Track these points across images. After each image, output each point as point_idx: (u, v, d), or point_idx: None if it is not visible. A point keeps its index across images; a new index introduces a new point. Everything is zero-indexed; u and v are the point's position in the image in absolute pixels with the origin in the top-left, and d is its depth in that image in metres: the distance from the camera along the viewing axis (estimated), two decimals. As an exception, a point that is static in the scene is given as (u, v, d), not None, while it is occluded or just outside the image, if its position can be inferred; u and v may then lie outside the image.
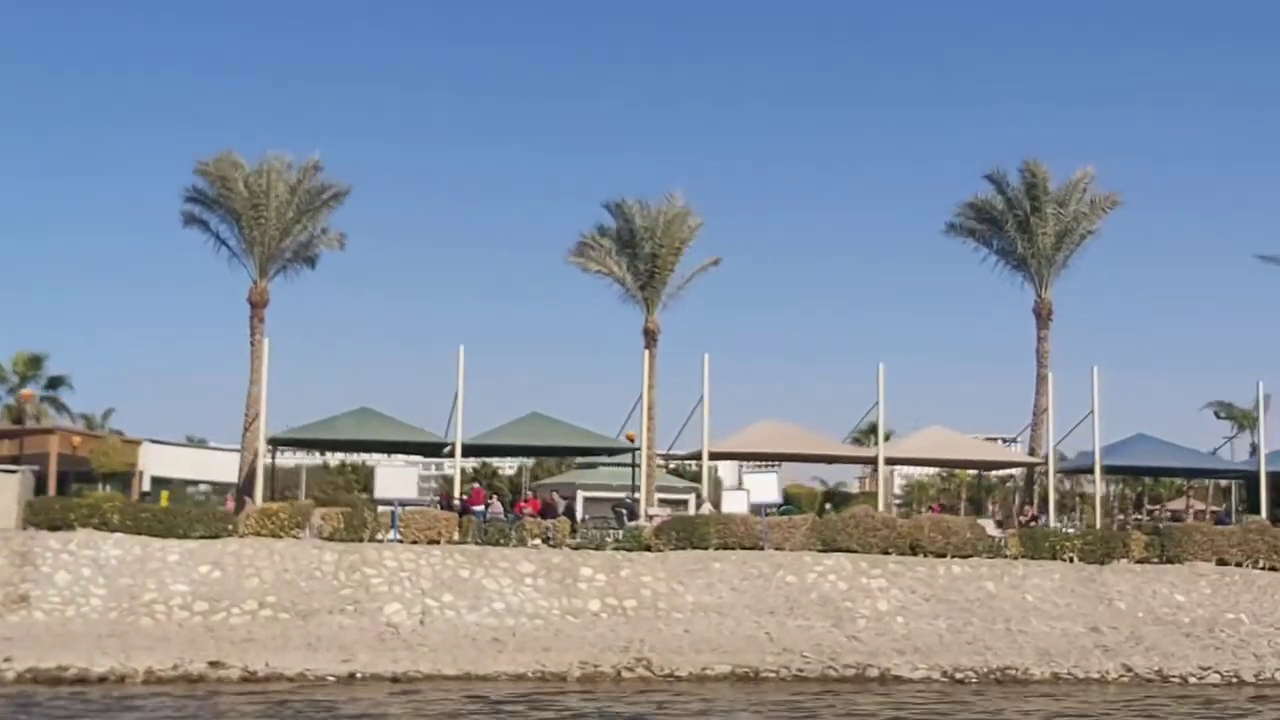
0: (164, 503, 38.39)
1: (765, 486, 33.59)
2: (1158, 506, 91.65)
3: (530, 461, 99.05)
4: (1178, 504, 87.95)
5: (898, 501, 79.78)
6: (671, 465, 47.66)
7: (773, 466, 37.16)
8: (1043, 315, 41.39)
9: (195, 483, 54.09)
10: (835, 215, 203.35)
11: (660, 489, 56.35)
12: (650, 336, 39.73)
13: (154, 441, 51.59)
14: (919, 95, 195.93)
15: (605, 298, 41.46)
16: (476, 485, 36.89)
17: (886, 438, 38.95)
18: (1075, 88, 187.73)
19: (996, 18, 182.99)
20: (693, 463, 40.98)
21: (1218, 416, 78.59)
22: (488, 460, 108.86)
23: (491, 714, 23.90)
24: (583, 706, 24.59)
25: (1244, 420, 77.64)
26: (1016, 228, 41.69)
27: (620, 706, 24.76)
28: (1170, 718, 25.51)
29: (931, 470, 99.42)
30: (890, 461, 36.14)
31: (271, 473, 39.14)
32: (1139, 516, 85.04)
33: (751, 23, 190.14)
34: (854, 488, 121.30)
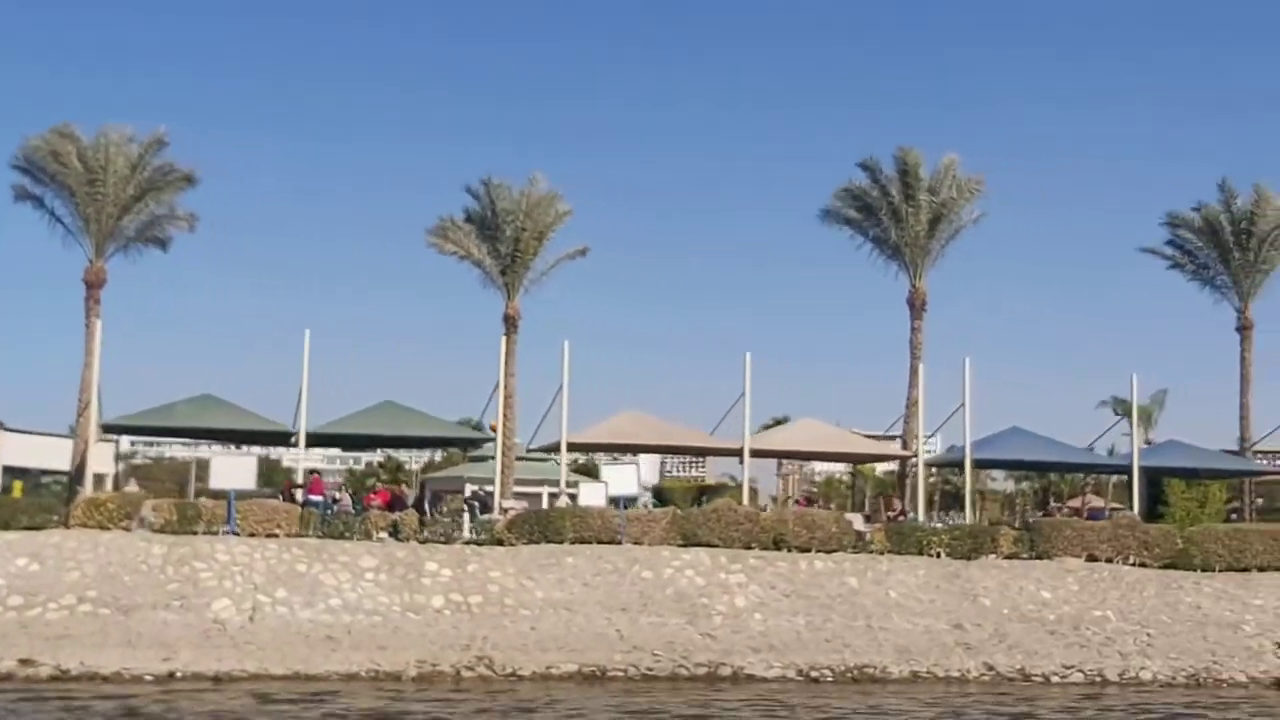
0: (17, 493, 36.36)
1: (624, 479, 32.47)
2: (1061, 504, 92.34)
3: (439, 455, 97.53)
4: (1079, 501, 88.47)
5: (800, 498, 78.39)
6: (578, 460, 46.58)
7: (633, 459, 35.99)
8: (916, 305, 40.77)
9: (55, 472, 51.69)
10: (721, 208, 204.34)
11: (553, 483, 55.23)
12: (510, 323, 38.48)
13: (9, 429, 49.08)
14: (801, 90, 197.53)
15: (467, 282, 39.94)
16: (316, 474, 35.30)
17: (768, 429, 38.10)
18: (960, 84, 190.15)
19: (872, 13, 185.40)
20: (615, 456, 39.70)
21: (1116, 413, 79.53)
22: (393, 453, 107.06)
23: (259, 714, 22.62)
24: (378, 706, 23.40)
25: (1141, 415, 78.43)
26: (890, 215, 41.07)
27: (420, 706, 23.59)
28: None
29: (842, 466, 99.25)
30: (756, 454, 35.20)
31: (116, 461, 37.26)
32: (1040, 513, 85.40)
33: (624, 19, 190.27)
34: (773, 486, 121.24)
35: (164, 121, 40.19)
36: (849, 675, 28.16)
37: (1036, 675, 28.91)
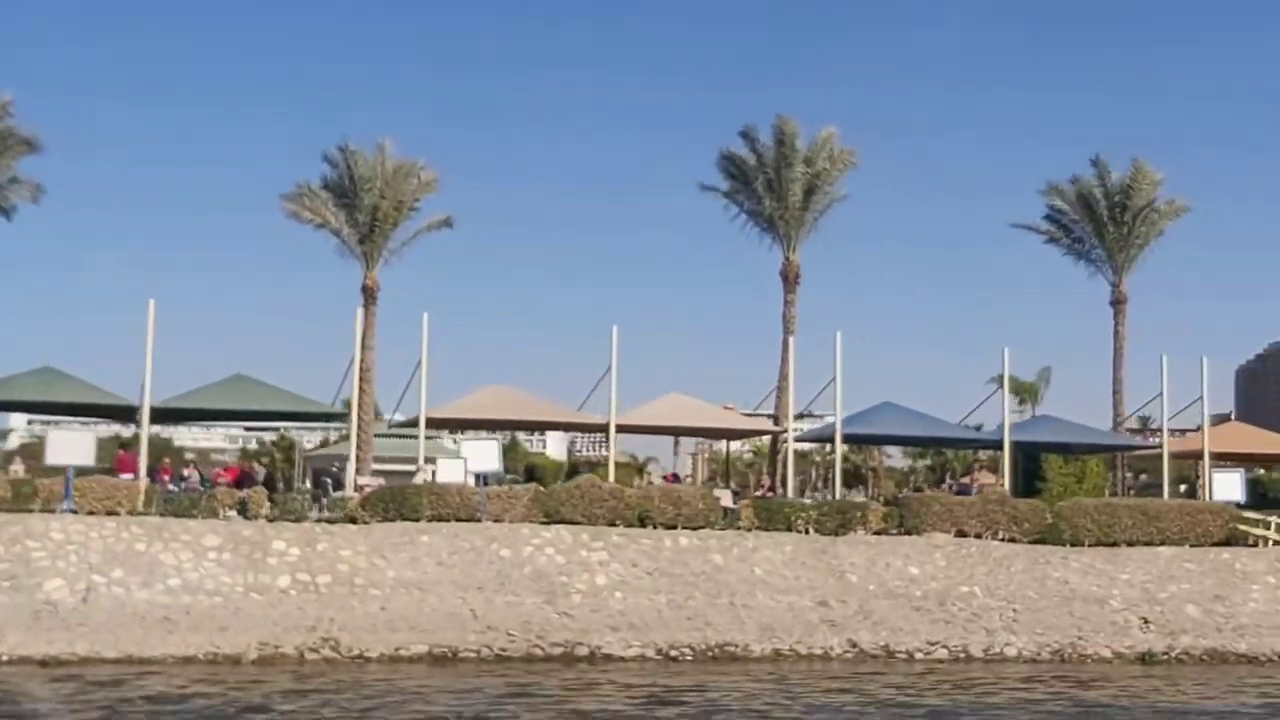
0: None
1: (484, 455, 31.54)
2: (954, 480, 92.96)
3: (334, 434, 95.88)
4: (970, 478, 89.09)
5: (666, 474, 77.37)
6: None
7: (493, 434, 35.01)
8: (789, 278, 40.35)
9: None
10: (596, 181, 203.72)
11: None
12: (369, 294, 37.38)
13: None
14: (679, 65, 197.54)
15: (325, 254, 38.82)
16: (166, 460, 34.13)
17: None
18: (839, 63, 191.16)
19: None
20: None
21: (1013, 391, 79.98)
22: (285, 432, 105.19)
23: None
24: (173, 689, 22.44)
25: (1025, 393, 79.24)
26: (765, 185, 40.55)
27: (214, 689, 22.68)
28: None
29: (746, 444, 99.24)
30: (622, 429, 34.45)
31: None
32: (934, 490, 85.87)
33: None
34: (685, 465, 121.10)
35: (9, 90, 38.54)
36: (710, 654, 27.69)
37: (901, 652, 28.67)
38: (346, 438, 74.35)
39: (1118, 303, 43.41)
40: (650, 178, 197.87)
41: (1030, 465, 49.78)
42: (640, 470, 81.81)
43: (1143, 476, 78.50)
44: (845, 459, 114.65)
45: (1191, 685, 26.65)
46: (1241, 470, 36.67)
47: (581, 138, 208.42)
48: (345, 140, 38.39)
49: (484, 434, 36.90)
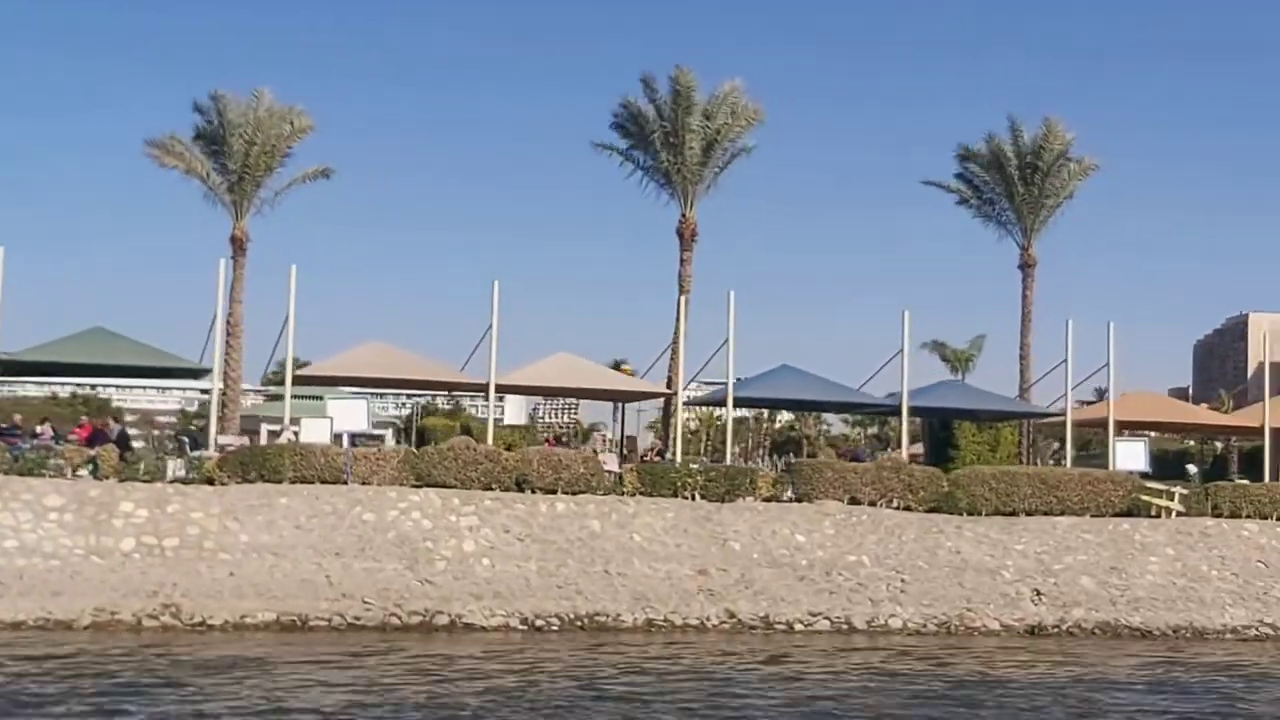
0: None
1: (353, 414, 30.24)
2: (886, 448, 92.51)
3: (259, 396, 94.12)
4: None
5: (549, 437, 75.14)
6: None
7: (368, 393, 33.45)
8: (686, 236, 39.19)
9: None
10: (485, 137, 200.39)
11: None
12: (238, 245, 35.87)
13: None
14: (575, 19, 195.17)
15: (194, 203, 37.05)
16: (17, 417, 32.62)
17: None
18: (742, 22, 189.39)
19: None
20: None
21: (944, 359, 79.44)
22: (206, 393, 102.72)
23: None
24: None
25: (957, 360, 78.51)
26: (662, 139, 39.34)
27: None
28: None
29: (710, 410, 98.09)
30: (503, 389, 33.24)
31: None
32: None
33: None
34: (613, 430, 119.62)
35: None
36: (578, 623, 26.70)
37: (780, 623, 27.78)
38: (277, 398, 73.32)
39: (1026, 266, 42.55)
40: (549, 132, 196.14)
41: (943, 433, 49.16)
42: (560, 437, 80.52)
43: (1055, 445, 78.40)
44: (792, 427, 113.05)
45: (1047, 660, 25.86)
46: (1145, 439, 35.98)
47: (479, 91, 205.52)
48: (215, 88, 36.79)
49: (351, 392, 35.31)
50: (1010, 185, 42.37)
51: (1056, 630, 28.95)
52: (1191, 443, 66.20)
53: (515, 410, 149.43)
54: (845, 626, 28.05)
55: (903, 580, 29.65)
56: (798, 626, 27.76)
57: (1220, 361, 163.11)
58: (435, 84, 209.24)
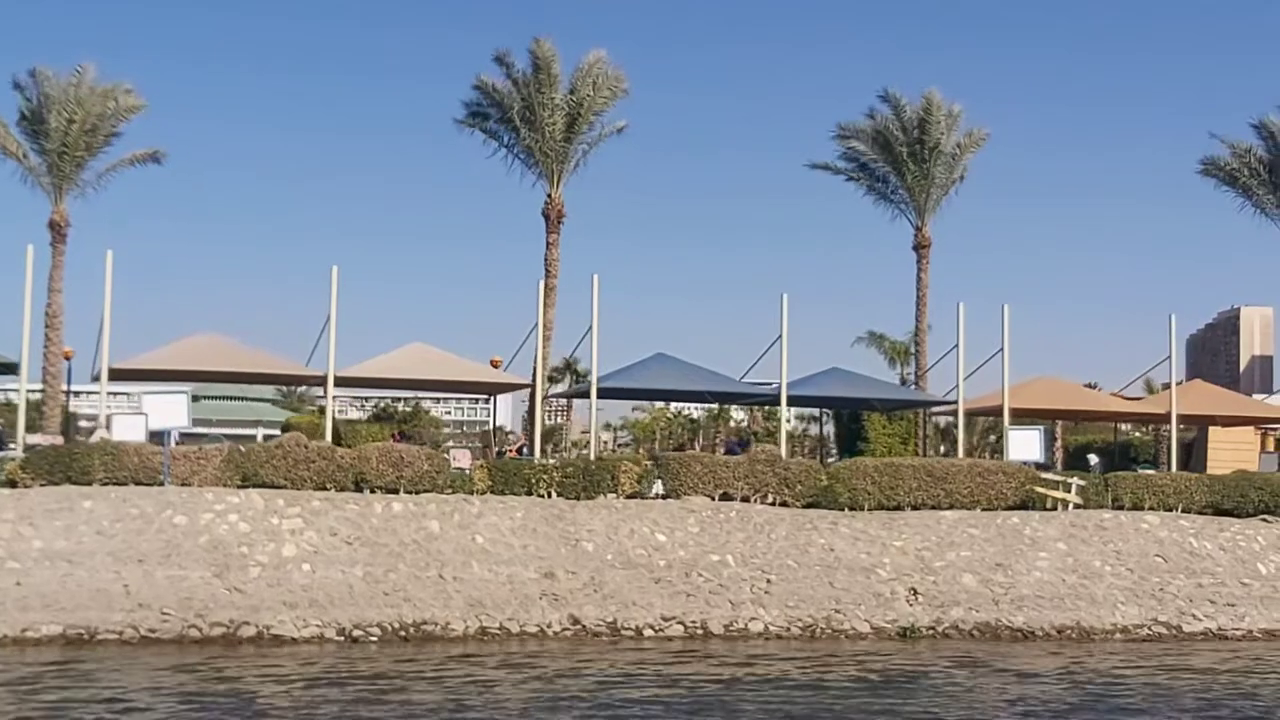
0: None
1: (172, 410, 28.25)
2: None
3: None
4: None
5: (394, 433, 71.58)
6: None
7: (183, 390, 31.29)
8: (552, 218, 37.38)
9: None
10: (347, 118, 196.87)
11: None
12: (56, 230, 33.81)
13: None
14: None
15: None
16: None
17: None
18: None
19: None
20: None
21: (881, 352, 77.86)
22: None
23: None
24: None
25: (895, 352, 77.04)
26: (522, 115, 37.55)
27: None
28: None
29: (660, 405, 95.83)
30: (343, 382, 31.29)
31: None
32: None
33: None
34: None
35: None
36: (401, 634, 24.89)
37: (628, 628, 26.09)
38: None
39: (920, 247, 40.92)
40: (402, 114, 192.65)
41: (854, 425, 47.56)
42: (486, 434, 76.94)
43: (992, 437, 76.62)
44: (769, 417, 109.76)
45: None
46: (1041, 428, 34.43)
47: (341, 80, 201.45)
48: (35, 65, 34.73)
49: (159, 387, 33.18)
50: (899, 163, 40.72)
51: (932, 632, 27.39)
52: (1137, 434, 64.90)
53: (507, 411, 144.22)
54: (700, 631, 26.38)
55: (768, 581, 27.96)
56: (647, 632, 26.07)
57: (1212, 356, 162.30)
58: (297, 71, 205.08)
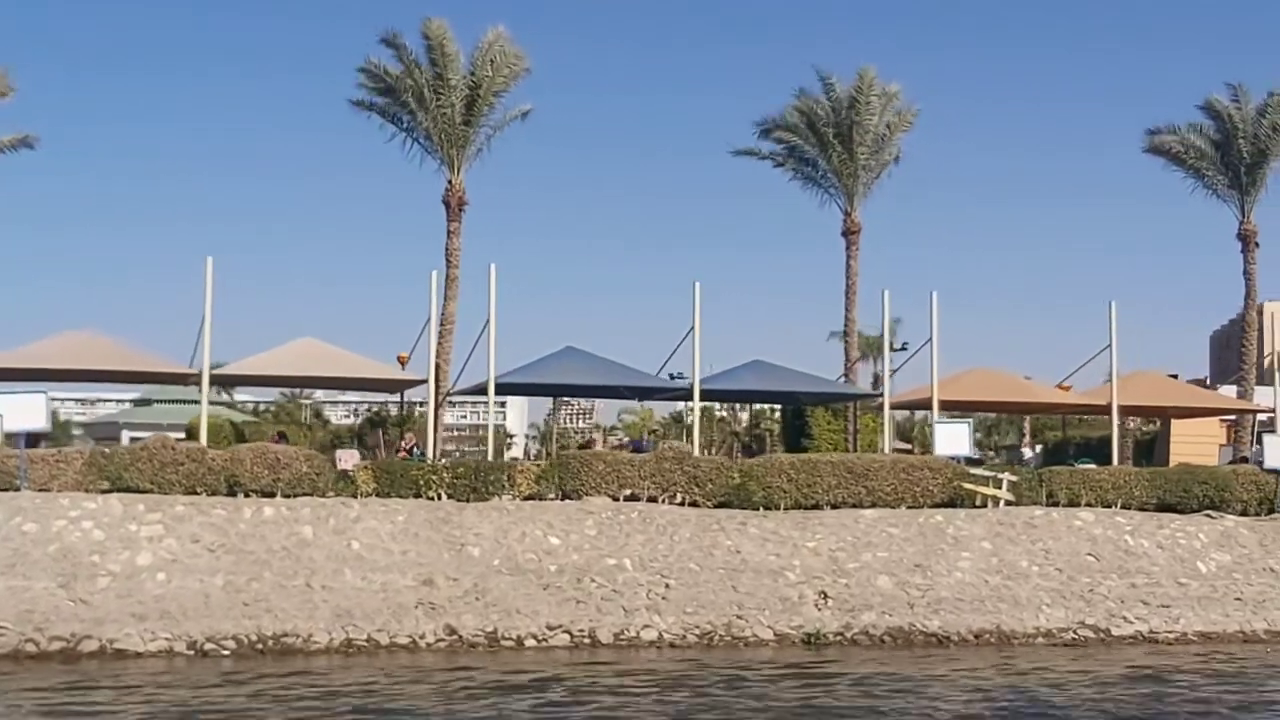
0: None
1: (29, 411, 26.81)
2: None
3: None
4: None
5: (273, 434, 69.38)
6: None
7: (39, 389, 29.60)
8: (453, 205, 35.95)
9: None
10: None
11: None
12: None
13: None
14: None
15: None
16: None
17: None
18: None
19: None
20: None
21: (866, 347, 76.87)
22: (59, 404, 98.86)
23: None
24: None
25: (867, 347, 75.92)
26: (416, 99, 36.14)
27: None
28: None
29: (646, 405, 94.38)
30: (221, 381, 29.93)
31: None
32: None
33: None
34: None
35: None
36: (259, 646, 23.48)
37: (509, 638, 24.74)
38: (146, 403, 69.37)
39: (849, 233, 39.48)
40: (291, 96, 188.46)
41: (797, 422, 46.19)
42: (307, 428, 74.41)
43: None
44: (757, 423, 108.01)
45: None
46: (969, 421, 33.06)
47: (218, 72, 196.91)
48: None
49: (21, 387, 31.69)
50: (825, 144, 39.28)
51: (840, 638, 26.04)
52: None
53: (519, 416, 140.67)
54: (588, 640, 25.01)
55: (667, 586, 26.61)
56: (530, 642, 24.71)
57: (1236, 352, 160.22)
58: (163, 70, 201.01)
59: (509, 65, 36.40)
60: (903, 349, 71.26)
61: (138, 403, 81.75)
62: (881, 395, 33.38)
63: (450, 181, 35.97)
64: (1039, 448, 58.06)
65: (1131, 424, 58.69)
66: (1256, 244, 40.64)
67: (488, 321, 30.50)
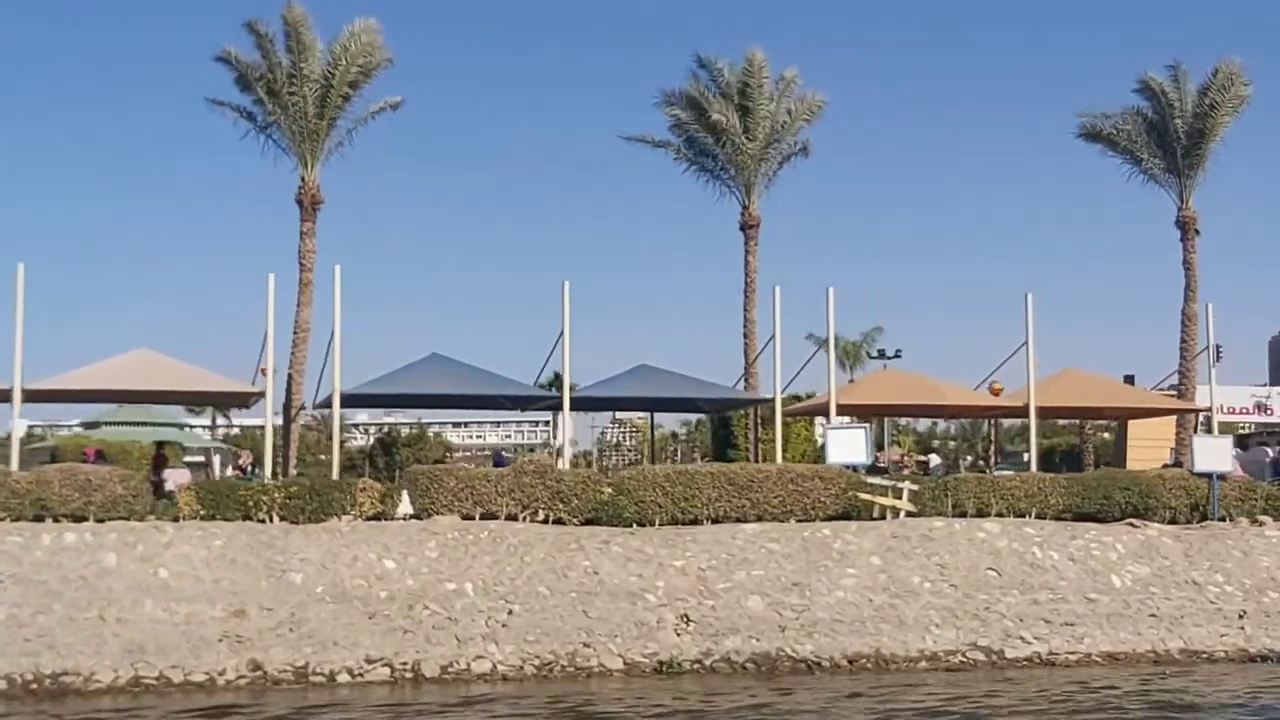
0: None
1: None
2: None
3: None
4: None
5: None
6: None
7: None
8: (306, 204, 34.18)
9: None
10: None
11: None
12: None
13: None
14: None
15: None
16: None
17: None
18: None
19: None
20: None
21: (845, 354, 75.51)
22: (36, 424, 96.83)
23: None
24: None
25: (847, 353, 74.35)
26: (268, 90, 34.42)
27: None
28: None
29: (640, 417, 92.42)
30: (37, 396, 27.91)
31: None
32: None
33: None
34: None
35: None
36: (33, 687, 21.70)
37: (320, 674, 23.04)
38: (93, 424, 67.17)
39: (747, 227, 37.59)
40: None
41: (723, 431, 44.56)
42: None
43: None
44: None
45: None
46: (866, 426, 31.20)
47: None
48: None
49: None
50: (717, 131, 37.40)
51: (697, 666, 24.24)
52: (1107, 434, 61.92)
53: (572, 430, 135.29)
54: (411, 674, 23.19)
55: (510, 612, 24.81)
56: (343, 678, 22.97)
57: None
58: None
59: (365, 55, 34.62)
60: (896, 356, 70.44)
61: (88, 425, 79.81)
62: (773, 400, 31.45)
63: (303, 178, 34.19)
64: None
65: (1090, 429, 57.01)
66: (1197, 231, 38.73)
67: (332, 334, 28.75)
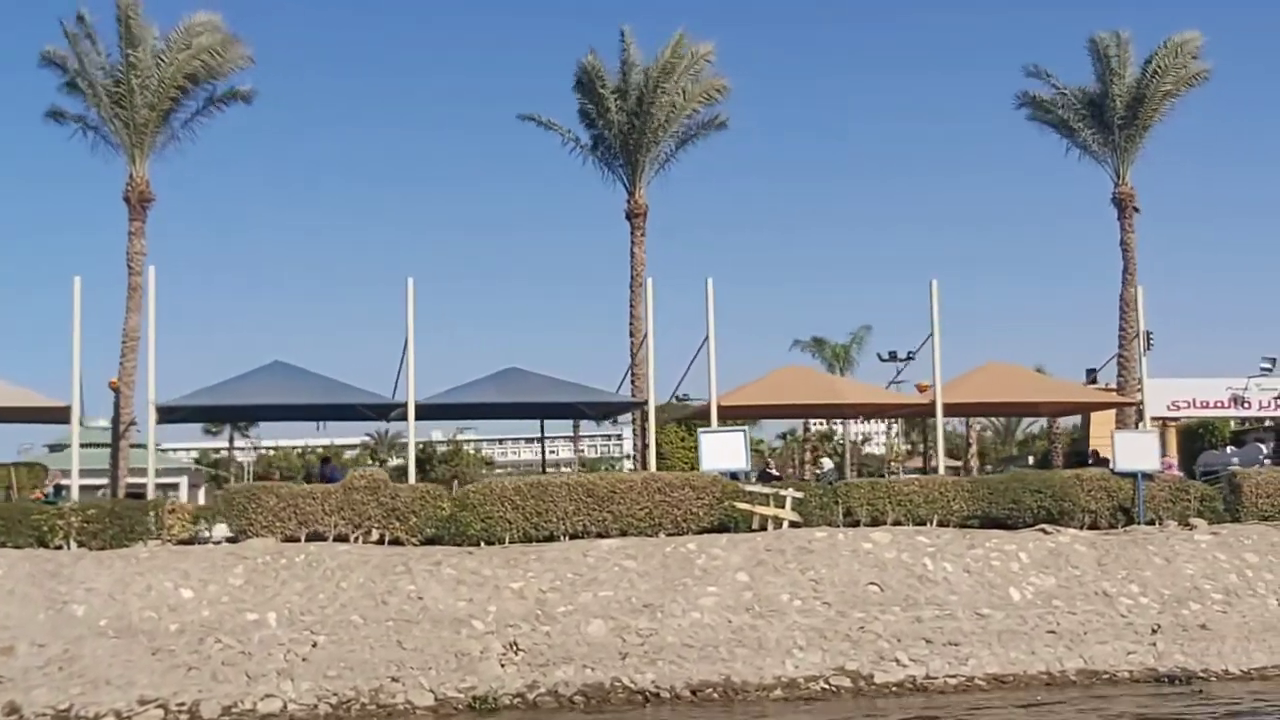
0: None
1: None
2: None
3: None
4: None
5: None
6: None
7: None
8: (133, 201, 32.42)
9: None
10: None
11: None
12: None
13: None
14: None
15: None
16: None
17: None
18: None
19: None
20: None
21: (814, 356, 74.48)
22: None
23: None
24: None
25: (834, 356, 72.72)
26: (85, 80, 32.75)
27: None
28: None
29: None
30: None
31: None
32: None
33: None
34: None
35: None
36: None
37: (84, 717, 21.22)
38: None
39: (633, 215, 35.60)
40: None
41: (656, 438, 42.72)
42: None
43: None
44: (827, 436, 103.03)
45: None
46: (744, 430, 29.19)
47: None
48: None
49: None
50: (604, 111, 35.45)
51: (519, 701, 22.31)
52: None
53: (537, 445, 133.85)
54: (187, 716, 21.31)
55: (314, 645, 23.01)
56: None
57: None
58: None
59: (215, 49, 32.86)
60: (909, 359, 67.80)
61: (55, 447, 78.40)
62: (646, 403, 29.55)
63: (132, 175, 32.42)
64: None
65: (1057, 428, 54.96)
66: (1135, 209, 36.61)
67: (142, 337, 26.97)
